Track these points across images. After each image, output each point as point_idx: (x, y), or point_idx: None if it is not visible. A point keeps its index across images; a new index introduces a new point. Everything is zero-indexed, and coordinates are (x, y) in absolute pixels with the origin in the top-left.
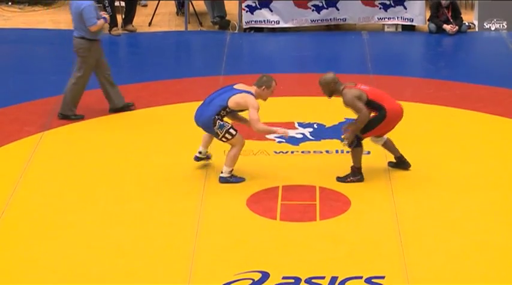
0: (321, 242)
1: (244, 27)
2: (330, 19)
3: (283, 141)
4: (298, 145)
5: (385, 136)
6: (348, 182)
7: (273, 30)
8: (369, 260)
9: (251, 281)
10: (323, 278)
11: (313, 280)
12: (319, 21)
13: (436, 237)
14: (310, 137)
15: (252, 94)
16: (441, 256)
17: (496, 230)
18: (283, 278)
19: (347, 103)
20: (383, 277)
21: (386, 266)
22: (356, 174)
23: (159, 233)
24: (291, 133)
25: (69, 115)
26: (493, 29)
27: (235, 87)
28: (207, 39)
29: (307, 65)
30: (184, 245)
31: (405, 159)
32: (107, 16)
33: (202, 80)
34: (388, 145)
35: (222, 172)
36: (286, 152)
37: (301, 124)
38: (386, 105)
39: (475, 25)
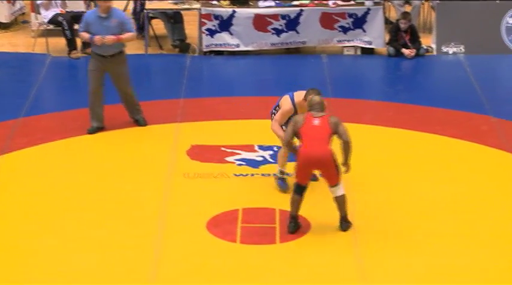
0: (281, 265)
1: (204, 50)
2: (290, 42)
3: (243, 164)
4: (258, 167)
5: (337, 192)
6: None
7: (233, 53)
8: (329, 284)
9: None
10: None
11: None
12: (279, 45)
13: (397, 261)
14: (270, 160)
15: (292, 98)
16: (402, 280)
17: (457, 253)
18: None
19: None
20: None
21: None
22: (290, 220)
23: (120, 257)
24: (251, 156)
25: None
26: (450, 52)
27: (297, 91)
28: (167, 62)
29: (268, 88)
30: (145, 270)
31: (346, 220)
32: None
33: (162, 103)
34: (339, 201)
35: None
36: (246, 175)
37: (261, 147)
38: (303, 147)
39: (433, 48)
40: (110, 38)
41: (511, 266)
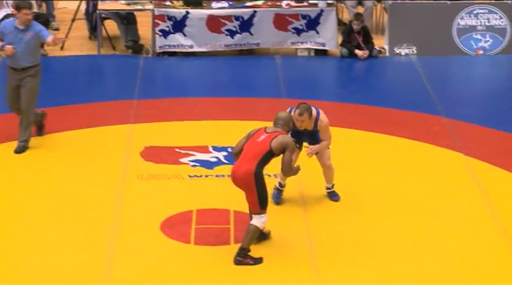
0: (235, 266)
1: (158, 51)
2: (244, 44)
3: (198, 165)
4: (212, 169)
5: (254, 220)
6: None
7: (187, 54)
8: (284, 284)
9: None
10: None
11: None
12: (232, 46)
13: (350, 263)
14: (225, 161)
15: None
16: (354, 279)
17: (410, 254)
18: None
19: None
20: None
21: None
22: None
23: (73, 260)
24: (205, 157)
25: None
26: (403, 53)
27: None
28: (120, 63)
29: (221, 89)
30: (98, 272)
31: (242, 253)
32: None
33: (115, 104)
34: (248, 230)
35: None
36: (201, 176)
37: (215, 148)
38: (235, 164)
39: (385, 50)
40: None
41: (462, 265)
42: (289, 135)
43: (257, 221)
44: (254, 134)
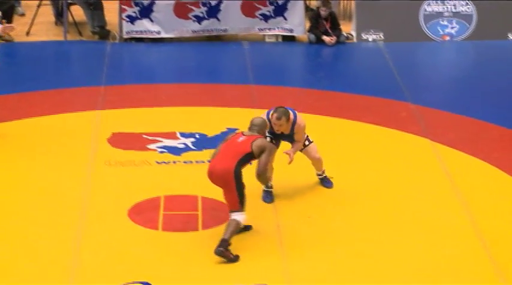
0: (203, 252)
1: (125, 37)
2: (211, 30)
3: (165, 151)
4: (180, 155)
5: (233, 215)
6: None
7: (154, 40)
8: (251, 270)
9: None
10: None
11: None
12: (200, 32)
13: (317, 248)
14: (192, 147)
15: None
16: (322, 266)
17: (375, 240)
18: None
19: None
20: None
21: (269, 276)
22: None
23: (39, 246)
24: (173, 143)
25: None
26: (370, 39)
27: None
28: (87, 49)
29: (189, 75)
30: (65, 259)
31: (224, 244)
32: None
33: (82, 90)
34: (229, 223)
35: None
36: (168, 162)
37: (183, 134)
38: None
39: (353, 36)
40: None
41: (428, 250)
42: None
43: (238, 216)
44: (232, 137)
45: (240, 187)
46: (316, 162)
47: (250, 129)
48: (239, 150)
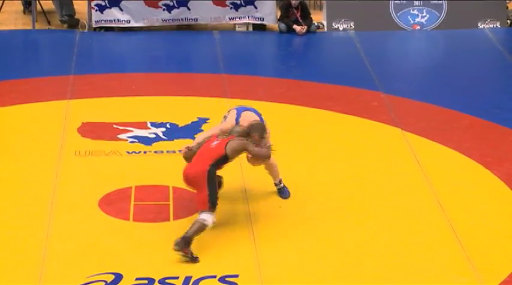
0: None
1: (94, 26)
2: (182, 19)
3: (136, 141)
4: (151, 145)
5: (200, 215)
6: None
7: (124, 29)
8: (223, 260)
9: (104, 283)
10: (177, 278)
11: (167, 280)
12: (170, 21)
13: (288, 237)
14: (163, 137)
15: (237, 124)
16: (294, 255)
17: (345, 229)
18: (137, 279)
19: None
20: (237, 276)
21: (240, 265)
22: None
23: (8, 237)
24: (144, 133)
25: None
26: (341, 29)
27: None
28: (56, 38)
29: (159, 65)
30: (34, 249)
31: (185, 241)
32: None
33: (51, 80)
34: (195, 221)
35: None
36: (139, 152)
37: (153, 124)
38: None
39: (324, 25)
40: None
41: (399, 239)
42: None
43: (206, 217)
44: (206, 142)
45: (212, 187)
46: (269, 167)
47: (230, 133)
48: (213, 154)
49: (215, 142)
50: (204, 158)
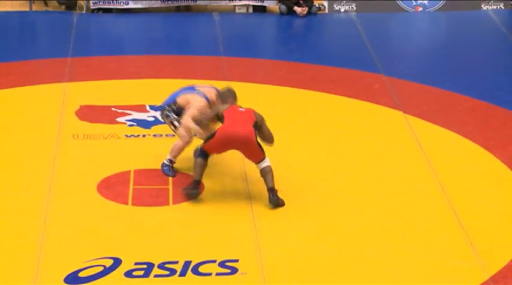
0: (173, 227)
1: (92, 7)
2: (181, 0)
3: (134, 124)
4: (149, 128)
5: (262, 165)
6: (183, 193)
7: (122, 11)
8: (223, 244)
9: (102, 268)
10: (176, 262)
11: (166, 265)
12: (169, 2)
13: (288, 221)
14: (162, 120)
15: (206, 98)
16: (294, 239)
17: (346, 213)
18: (136, 263)
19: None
20: (237, 260)
21: (240, 250)
22: (193, 187)
23: (6, 222)
24: (142, 116)
25: None
26: (342, 10)
27: (199, 87)
28: (53, 20)
29: (158, 47)
30: (32, 234)
31: (275, 194)
32: None
33: (48, 62)
34: (264, 172)
35: (165, 159)
36: (138, 135)
37: (152, 107)
38: (222, 126)
39: (325, 7)
40: None
41: (398, 224)
42: None
43: (266, 162)
44: (229, 107)
45: (258, 143)
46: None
47: (225, 102)
48: (247, 117)
49: (241, 109)
50: (242, 120)
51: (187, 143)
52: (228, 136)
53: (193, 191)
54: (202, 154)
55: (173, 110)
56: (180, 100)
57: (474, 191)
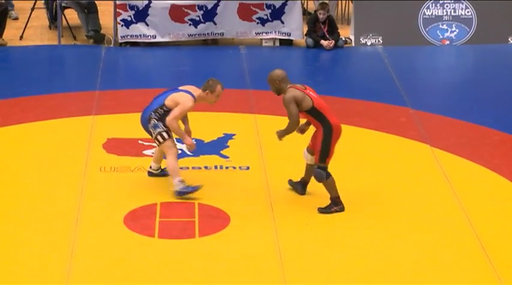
0: (200, 260)
1: (120, 41)
2: (208, 33)
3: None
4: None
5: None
6: (332, 212)
7: (149, 44)
8: (249, 277)
9: None
10: None
11: None
12: (196, 36)
13: (316, 253)
14: (189, 153)
15: (192, 95)
16: (321, 272)
17: (373, 245)
18: None
19: (284, 102)
20: None
21: (267, 283)
22: (337, 203)
23: (33, 254)
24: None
25: None
26: (369, 43)
27: (181, 87)
28: (82, 53)
29: (185, 80)
30: (59, 266)
31: (306, 187)
32: None
33: (76, 95)
34: (308, 167)
35: (174, 187)
36: (164, 168)
37: (179, 140)
38: (331, 119)
39: (351, 40)
40: None
41: (428, 257)
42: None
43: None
44: (307, 94)
45: None
46: (160, 156)
47: (281, 83)
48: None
49: (312, 93)
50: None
51: (176, 154)
52: (339, 131)
53: (341, 206)
54: (327, 171)
55: (160, 115)
56: (168, 102)
57: (501, 224)
